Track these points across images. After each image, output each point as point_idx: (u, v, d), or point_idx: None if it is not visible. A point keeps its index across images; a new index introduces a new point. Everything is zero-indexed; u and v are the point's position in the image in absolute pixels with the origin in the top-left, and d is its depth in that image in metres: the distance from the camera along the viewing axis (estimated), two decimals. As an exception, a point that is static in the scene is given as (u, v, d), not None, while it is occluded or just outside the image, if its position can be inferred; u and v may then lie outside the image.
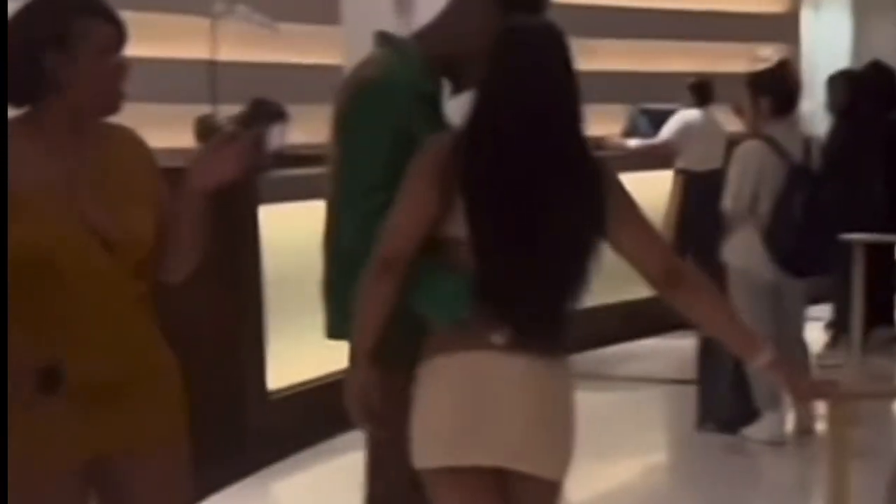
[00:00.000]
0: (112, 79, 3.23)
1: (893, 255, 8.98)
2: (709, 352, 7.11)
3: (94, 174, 3.23)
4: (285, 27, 8.91)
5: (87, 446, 3.24)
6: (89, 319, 3.21)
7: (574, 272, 3.32)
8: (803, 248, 6.86)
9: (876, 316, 8.87)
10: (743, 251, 6.98)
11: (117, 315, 3.26)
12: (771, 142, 6.96)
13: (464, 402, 3.27)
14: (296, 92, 8.47)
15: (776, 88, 7.09)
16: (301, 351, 7.02)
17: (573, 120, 3.34)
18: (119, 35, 3.24)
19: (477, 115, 3.33)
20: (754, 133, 7.11)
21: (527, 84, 3.29)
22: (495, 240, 3.26)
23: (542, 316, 3.30)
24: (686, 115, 10.65)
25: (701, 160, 10.29)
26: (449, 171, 3.27)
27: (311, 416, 7.04)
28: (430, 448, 3.32)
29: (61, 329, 3.19)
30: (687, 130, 10.52)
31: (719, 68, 12.75)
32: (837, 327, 8.87)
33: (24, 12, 3.20)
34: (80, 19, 3.17)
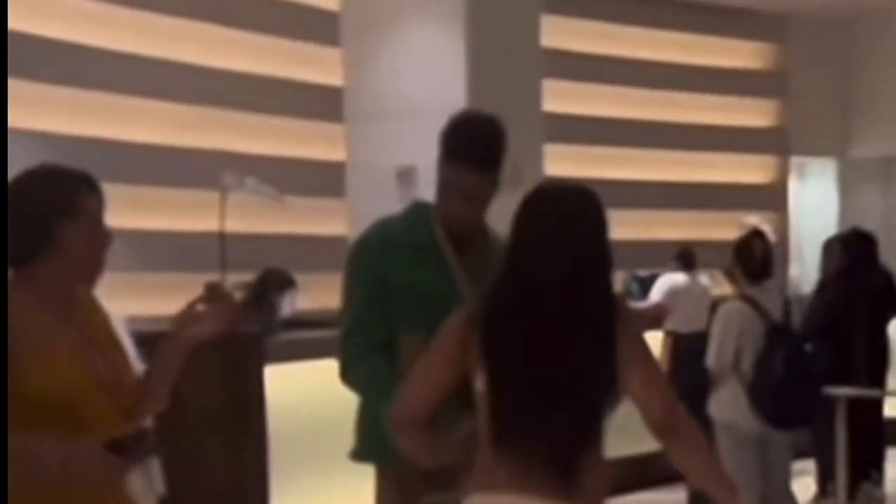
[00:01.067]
0: (102, 246, 3.55)
1: (880, 410, 9.23)
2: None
3: (87, 328, 3.56)
4: (292, 200, 9.22)
5: None
6: None
7: (590, 421, 3.45)
8: (785, 401, 7.15)
9: (863, 470, 9.13)
10: (728, 405, 7.24)
11: None
12: (750, 302, 7.30)
13: None
14: (303, 261, 8.79)
15: (748, 255, 7.47)
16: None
17: (600, 286, 3.51)
18: (103, 209, 3.58)
19: (501, 284, 3.49)
20: (737, 295, 7.47)
21: (547, 251, 3.44)
22: (513, 394, 3.40)
23: (558, 462, 3.37)
24: (671, 279, 11.01)
25: (687, 321, 10.61)
26: (468, 343, 3.45)
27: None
28: None
29: None
30: (673, 293, 10.88)
31: (711, 236, 13.21)
32: (823, 480, 9.08)
33: (31, 183, 3.50)
34: (84, 193, 3.51)
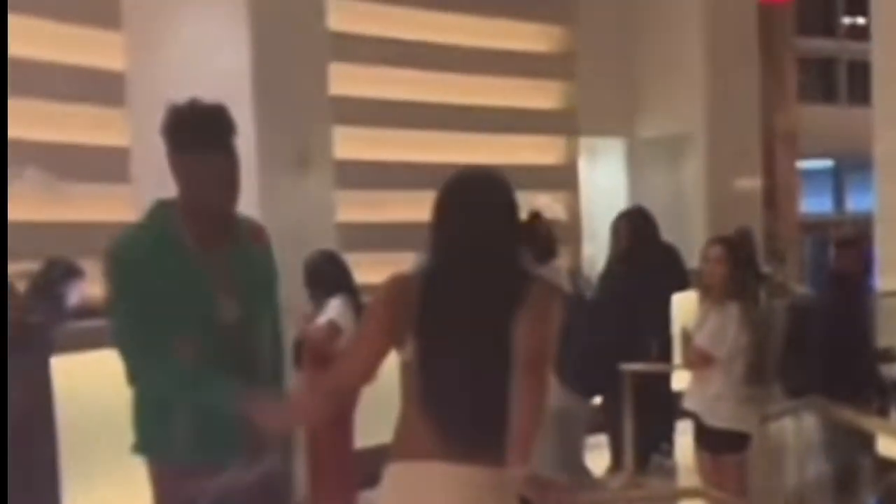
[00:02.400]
0: None
1: (668, 383, 9.44)
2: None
3: None
4: (76, 187, 9.03)
5: None
6: None
7: (499, 389, 3.65)
8: (588, 370, 7.30)
9: (654, 442, 9.35)
10: None
11: None
12: None
13: None
14: (90, 249, 8.60)
15: (532, 237, 7.58)
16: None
17: (512, 257, 3.80)
18: None
19: (431, 257, 3.78)
20: None
21: (467, 222, 3.76)
22: (441, 363, 3.67)
23: (482, 426, 3.65)
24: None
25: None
26: (406, 308, 3.69)
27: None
28: None
29: None
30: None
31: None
32: (617, 453, 9.25)
33: None
34: None
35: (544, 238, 7.72)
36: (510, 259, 3.79)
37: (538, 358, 3.78)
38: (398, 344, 3.71)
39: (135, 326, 3.99)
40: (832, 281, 9.07)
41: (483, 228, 3.74)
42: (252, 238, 4.23)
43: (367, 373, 3.77)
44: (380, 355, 3.74)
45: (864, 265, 8.99)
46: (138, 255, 4.02)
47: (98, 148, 10.17)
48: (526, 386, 3.69)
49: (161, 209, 4.12)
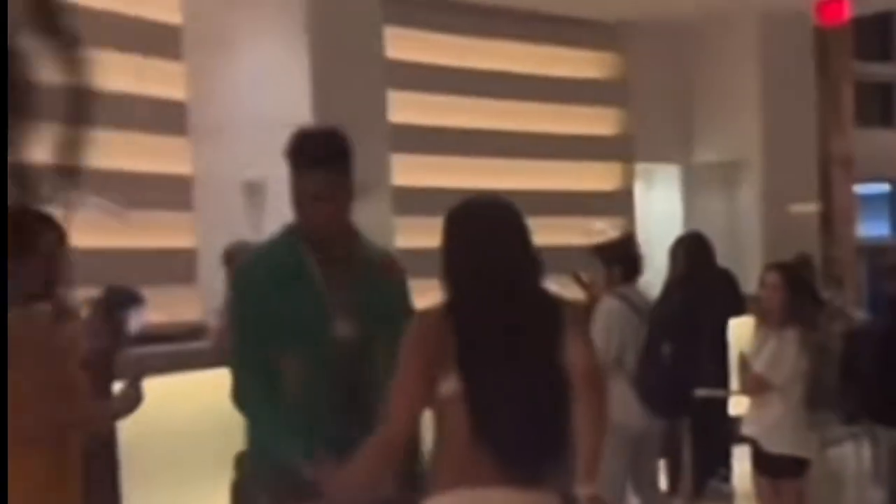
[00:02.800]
0: None
1: (726, 409, 9.42)
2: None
3: None
4: (138, 214, 9.13)
5: None
6: None
7: (555, 411, 3.70)
8: (672, 391, 7.38)
9: (711, 467, 9.34)
10: (619, 404, 7.37)
11: None
12: (626, 300, 7.45)
13: None
14: (151, 275, 8.72)
15: (625, 257, 7.63)
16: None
17: (535, 280, 3.78)
18: None
19: (455, 289, 3.73)
20: (608, 294, 7.59)
21: (486, 252, 3.72)
22: (492, 391, 3.63)
23: (541, 452, 3.67)
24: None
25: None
26: (440, 345, 3.64)
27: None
28: None
29: None
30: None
31: (557, 241, 13.34)
32: (674, 477, 9.24)
33: None
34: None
35: (634, 257, 7.78)
36: (535, 282, 3.78)
37: (596, 374, 3.83)
38: (436, 383, 3.67)
39: (246, 346, 4.12)
40: (888, 306, 9.04)
41: (504, 255, 3.72)
42: (383, 267, 4.32)
43: (415, 420, 3.74)
44: (424, 400, 3.69)
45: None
46: (259, 273, 4.17)
47: (160, 176, 10.30)
48: (589, 404, 3.75)
49: (286, 232, 4.22)
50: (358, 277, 4.13)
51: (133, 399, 4.29)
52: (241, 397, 4.12)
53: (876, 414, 8.10)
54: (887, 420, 7.85)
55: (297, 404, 4.04)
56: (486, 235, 3.75)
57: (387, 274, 4.32)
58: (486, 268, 3.71)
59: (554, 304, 3.80)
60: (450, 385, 3.64)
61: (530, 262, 3.79)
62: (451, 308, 3.70)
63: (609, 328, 7.39)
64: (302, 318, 4.06)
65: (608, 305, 7.52)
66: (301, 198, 4.10)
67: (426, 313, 3.76)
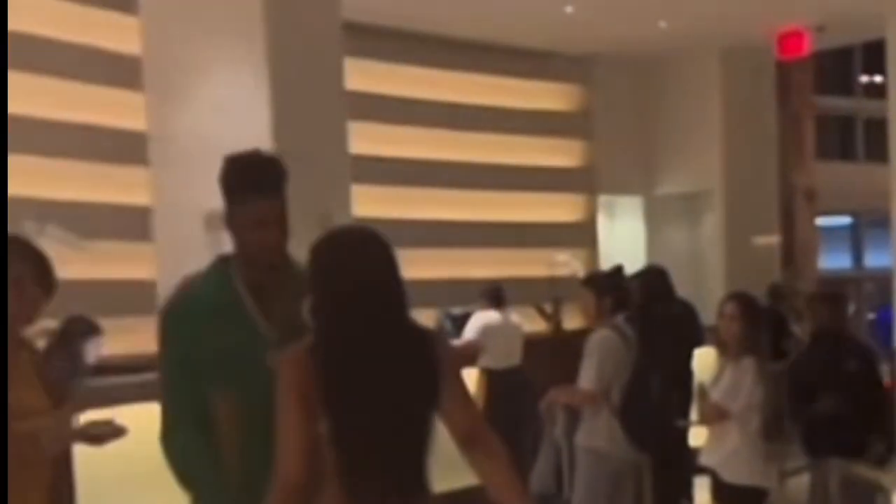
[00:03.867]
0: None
1: (685, 439, 9.44)
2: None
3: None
4: (97, 244, 9.09)
5: None
6: None
7: (420, 443, 3.65)
8: (656, 427, 7.41)
9: (673, 498, 9.38)
10: (604, 434, 7.39)
11: None
12: (618, 330, 7.47)
13: None
14: (110, 306, 8.68)
15: (616, 287, 7.66)
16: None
17: (401, 308, 3.69)
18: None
19: (318, 323, 3.62)
20: (599, 325, 7.60)
21: (348, 282, 3.60)
22: (353, 429, 3.55)
23: (397, 486, 3.59)
24: (484, 317, 11.04)
25: (501, 358, 10.72)
26: (309, 382, 3.53)
27: None
28: None
29: None
30: (487, 330, 10.93)
31: (522, 273, 13.36)
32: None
33: None
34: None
35: (624, 288, 7.81)
36: (402, 314, 3.70)
37: (479, 423, 3.80)
38: (317, 420, 3.57)
39: (176, 392, 4.04)
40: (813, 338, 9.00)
41: (368, 285, 3.62)
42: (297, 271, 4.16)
43: (309, 461, 3.55)
44: (312, 439, 3.56)
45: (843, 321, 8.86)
46: (186, 313, 4.07)
47: (120, 206, 10.26)
48: (489, 464, 3.75)
49: (218, 264, 4.15)
50: (290, 303, 3.99)
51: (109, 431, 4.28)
52: (171, 449, 4.03)
53: (813, 445, 8.13)
54: (828, 451, 7.89)
55: (229, 449, 3.99)
56: (348, 265, 3.64)
57: None
58: (348, 299, 3.60)
59: (423, 337, 3.73)
60: (322, 424, 3.56)
61: (396, 293, 3.68)
62: (317, 343, 3.60)
63: (603, 359, 7.39)
64: (239, 353, 3.97)
65: (601, 335, 7.52)
66: (238, 224, 4.03)
67: (293, 357, 3.62)
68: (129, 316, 8.97)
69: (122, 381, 7.20)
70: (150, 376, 8.15)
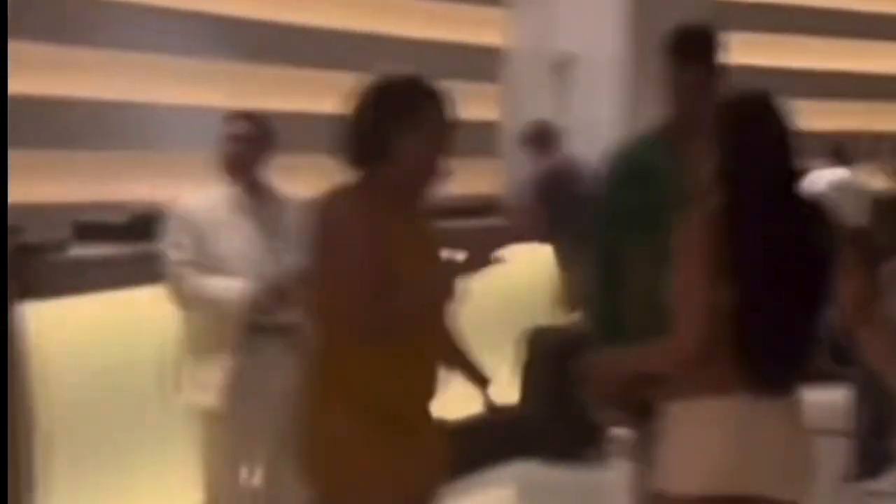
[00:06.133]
0: (433, 161, 3.63)
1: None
2: (867, 401, 7.22)
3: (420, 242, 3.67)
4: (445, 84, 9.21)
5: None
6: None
7: (813, 324, 3.65)
8: None
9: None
10: None
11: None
12: None
13: (731, 440, 3.58)
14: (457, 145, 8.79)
15: None
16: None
17: (796, 176, 3.68)
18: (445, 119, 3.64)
19: (730, 188, 3.61)
20: None
21: (764, 152, 3.61)
22: (759, 303, 3.54)
23: (790, 366, 3.65)
24: (826, 175, 10.69)
25: (849, 217, 10.37)
26: (714, 248, 3.53)
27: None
28: (700, 478, 3.61)
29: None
30: (831, 189, 10.59)
31: (871, 127, 12.89)
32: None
33: (377, 93, 3.59)
34: (429, 106, 3.59)
35: None
36: (798, 180, 3.68)
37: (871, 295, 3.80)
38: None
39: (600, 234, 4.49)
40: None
41: (781, 142, 3.63)
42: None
43: (706, 331, 3.52)
44: (709, 307, 3.53)
45: None
46: (621, 170, 4.51)
47: (470, 46, 10.35)
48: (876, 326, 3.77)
49: (653, 130, 4.51)
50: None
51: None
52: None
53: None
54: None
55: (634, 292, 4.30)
56: (761, 121, 3.64)
57: None
58: (761, 154, 3.60)
59: (816, 203, 3.73)
60: (720, 292, 3.52)
61: (796, 154, 3.67)
62: (729, 211, 3.58)
63: None
64: (657, 205, 4.21)
65: None
66: (676, 86, 4.33)
67: (702, 214, 3.61)
68: (474, 156, 9.09)
69: (462, 226, 7.28)
70: (486, 221, 8.26)
